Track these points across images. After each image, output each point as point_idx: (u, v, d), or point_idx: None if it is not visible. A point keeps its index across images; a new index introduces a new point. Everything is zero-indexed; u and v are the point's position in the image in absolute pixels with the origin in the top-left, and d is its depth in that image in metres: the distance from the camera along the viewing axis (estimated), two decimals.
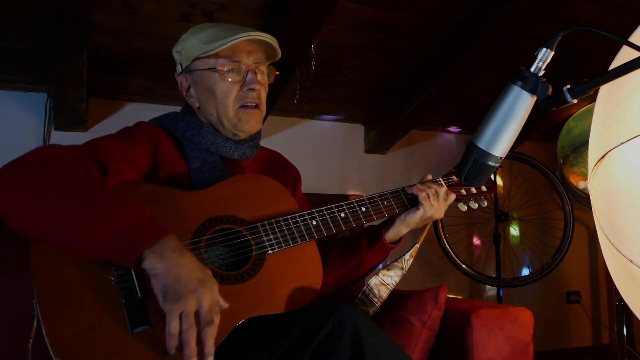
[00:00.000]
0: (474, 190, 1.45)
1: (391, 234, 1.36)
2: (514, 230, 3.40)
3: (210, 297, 0.93)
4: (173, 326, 0.89)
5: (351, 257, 1.37)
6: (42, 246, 0.99)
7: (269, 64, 1.35)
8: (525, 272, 3.37)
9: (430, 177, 1.40)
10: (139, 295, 0.98)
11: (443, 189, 1.34)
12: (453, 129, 3.30)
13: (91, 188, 1.01)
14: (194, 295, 0.91)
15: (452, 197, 1.38)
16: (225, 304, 0.96)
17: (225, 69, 1.26)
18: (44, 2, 1.73)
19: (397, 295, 1.47)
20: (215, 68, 1.26)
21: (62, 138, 2.36)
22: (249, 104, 1.28)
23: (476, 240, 3.33)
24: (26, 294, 0.97)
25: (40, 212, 0.96)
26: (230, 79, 1.26)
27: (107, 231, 0.94)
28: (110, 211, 0.96)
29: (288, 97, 2.62)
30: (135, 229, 0.95)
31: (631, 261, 1.18)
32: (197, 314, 0.92)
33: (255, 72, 1.28)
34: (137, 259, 0.93)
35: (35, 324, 0.95)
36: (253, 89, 1.27)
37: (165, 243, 0.95)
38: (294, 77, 2.48)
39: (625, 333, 2.91)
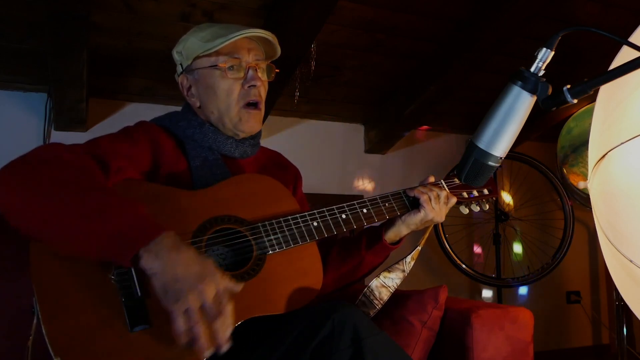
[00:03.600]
0: (475, 193, 1.45)
1: (391, 235, 1.36)
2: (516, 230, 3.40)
3: (212, 290, 0.91)
4: (179, 325, 0.88)
5: (351, 258, 1.37)
6: (42, 245, 0.99)
7: (269, 62, 1.35)
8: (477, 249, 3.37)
9: (432, 178, 1.40)
10: (139, 294, 0.98)
11: (444, 193, 1.34)
12: (453, 129, 3.30)
13: (90, 188, 1.00)
14: (195, 292, 0.89)
15: (453, 200, 1.38)
16: (236, 286, 0.94)
17: (226, 66, 1.26)
18: (44, 2, 1.73)
19: (397, 296, 1.47)
20: (216, 65, 1.27)
21: (62, 138, 2.36)
22: (251, 103, 1.29)
23: (477, 249, 3.33)
24: (26, 293, 0.97)
25: (38, 211, 0.97)
26: (231, 76, 1.27)
27: (103, 231, 0.93)
28: (106, 211, 0.96)
29: (288, 97, 2.62)
30: (131, 228, 0.94)
31: (631, 261, 1.18)
32: (203, 308, 0.90)
33: (256, 69, 1.28)
34: (133, 258, 0.92)
35: (35, 321, 0.95)
36: (254, 86, 1.28)
37: (160, 241, 0.93)
38: (294, 77, 2.48)
39: (625, 333, 2.91)
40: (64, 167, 1.02)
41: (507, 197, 3.36)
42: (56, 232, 0.96)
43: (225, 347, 0.91)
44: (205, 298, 0.90)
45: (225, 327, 0.91)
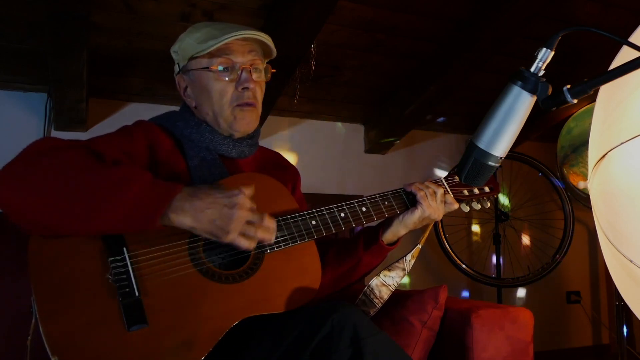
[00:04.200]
0: (476, 191, 1.44)
1: (389, 235, 1.36)
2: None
3: (246, 208, 1.03)
4: (245, 246, 1.05)
5: (348, 258, 1.36)
6: (40, 245, 0.99)
7: (266, 62, 1.34)
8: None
9: (430, 181, 1.40)
10: (136, 293, 0.98)
11: (441, 190, 1.34)
12: (452, 128, 3.30)
13: (94, 166, 1.03)
14: (234, 220, 1.01)
15: (455, 206, 1.37)
16: (251, 190, 1.07)
17: (218, 68, 1.26)
18: (44, 2, 1.73)
19: (397, 296, 1.47)
20: (209, 67, 1.26)
21: (62, 138, 2.36)
22: (244, 104, 1.28)
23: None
24: (26, 293, 0.98)
25: (50, 197, 0.97)
26: (224, 78, 1.26)
27: (124, 201, 0.98)
28: (121, 182, 1.00)
29: (288, 97, 2.62)
30: (151, 192, 1.00)
31: (631, 261, 1.18)
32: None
33: (250, 71, 1.28)
34: (160, 219, 1.00)
35: (33, 321, 0.95)
36: (247, 88, 1.27)
37: (180, 197, 1.01)
38: (294, 77, 2.48)
39: (625, 333, 2.91)
40: (65, 153, 1.04)
41: (504, 200, 3.36)
42: (77, 213, 0.98)
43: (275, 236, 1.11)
44: (243, 215, 1.03)
45: (272, 226, 1.09)
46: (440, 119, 3.16)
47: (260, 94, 1.32)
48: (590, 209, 1.36)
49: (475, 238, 3.33)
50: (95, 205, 0.98)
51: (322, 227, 1.22)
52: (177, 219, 1.01)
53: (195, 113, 1.33)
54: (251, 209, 1.05)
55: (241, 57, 1.27)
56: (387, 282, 1.32)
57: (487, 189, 1.46)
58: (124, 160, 1.15)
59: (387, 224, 1.36)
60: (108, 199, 0.98)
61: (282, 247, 1.16)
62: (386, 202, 1.32)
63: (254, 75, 1.29)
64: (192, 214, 1.01)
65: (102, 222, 0.99)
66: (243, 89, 1.27)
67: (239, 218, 1.02)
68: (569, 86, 0.87)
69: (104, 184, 1.00)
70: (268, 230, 1.08)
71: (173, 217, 1.01)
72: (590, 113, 2.01)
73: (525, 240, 3.41)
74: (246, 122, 1.30)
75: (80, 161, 1.03)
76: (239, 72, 1.27)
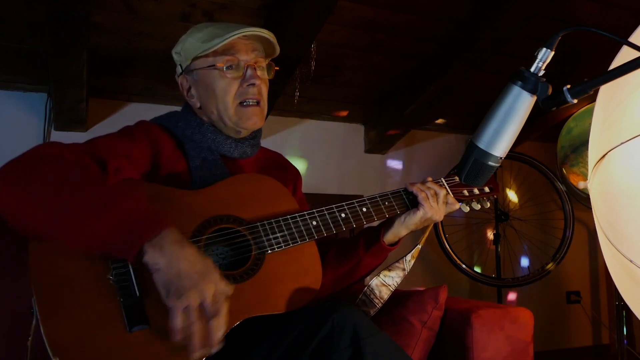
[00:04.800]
0: (476, 191, 1.44)
1: (390, 236, 1.35)
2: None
3: (213, 289, 0.93)
4: (176, 322, 0.90)
5: (349, 259, 1.36)
6: (41, 245, 0.99)
7: (268, 61, 1.35)
8: (525, 262, 3.37)
9: (430, 179, 1.39)
10: (137, 294, 0.98)
11: (443, 191, 1.34)
12: (453, 128, 3.30)
13: (89, 182, 1.01)
14: (197, 290, 0.91)
15: (456, 206, 1.37)
16: (231, 289, 0.96)
17: (224, 66, 1.26)
18: (44, 2, 1.73)
19: (397, 296, 1.47)
20: (214, 65, 1.26)
21: (62, 138, 2.34)
22: (250, 101, 1.28)
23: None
24: (26, 293, 0.97)
25: (40, 207, 0.97)
26: (229, 75, 1.26)
27: (107, 224, 0.94)
28: (109, 204, 0.96)
29: (288, 96, 2.61)
30: (135, 222, 0.95)
31: (631, 261, 1.18)
32: (201, 306, 0.92)
33: (255, 68, 1.28)
34: (138, 252, 0.93)
35: (34, 322, 0.95)
36: (253, 84, 1.27)
37: (165, 236, 0.95)
38: (294, 77, 2.48)
39: (625, 333, 2.91)
40: (62, 164, 1.03)
41: (512, 195, 3.36)
42: (60, 228, 0.96)
43: (216, 349, 0.92)
44: (205, 296, 0.91)
45: (220, 328, 0.92)
46: (442, 122, 3.17)
47: (265, 91, 1.32)
48: (590, 209, 1.36)
49: (475, 238, 3.33)
50: (80, 221, 0.95)
51: (322, 228, 1.22)
52: (152, 254, 0.93)
53: (199, 113, 1.33)
54: (214, 298, 0.92)
55: (245, 54, 1.27)
56: (387, 282, 1.32)
57: (487, 189, 1.46)
58: (126, 166, 1.14)
59: (388, 224, 1.36)
60: (95, 216, 0.95)
61: (283, 247, 1.16)
62: (387, 203, 1.32)
63: (259, 73, 1.29)
64: (168, 257, 0.93)
65: (84, 239, 0.96)
66: (248, 85, 1.27)
67: (201, 291, 0.91)
68: (569, 86, 0.87)
69: (94, 201, 0.97)
70: (216, 328, 0.92)
71: (149, 250, 0.93)
72: (590, 113, 2.01)
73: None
74: (252, 121, 1.29)
75: (77, 172, 1.02)
76: (244, 70, 1.27)
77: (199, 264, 0.94)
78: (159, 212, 0.99)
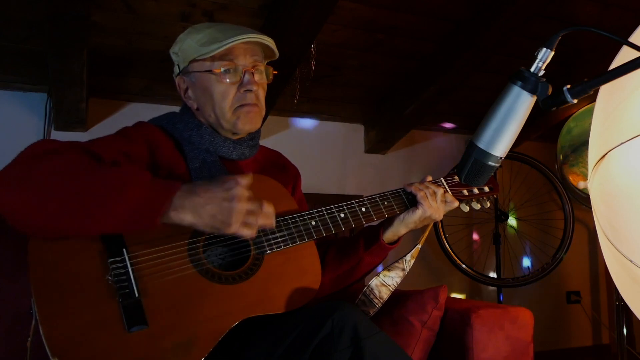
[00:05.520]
0: (476, 190, 1.44)
1: (389, 235, 1.36)
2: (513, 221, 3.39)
3: (244, 198, 1.03)
4: (247, 235, 1.05)
5: (349, 258, 1.36)
6: (40, 246, 0.99)
7: (267, 63, 1.34)
8: (526, 262, 3.37)
9: (430, 178, 1.40)
10: (136, 294, 0.98)
11: (441, 190, 1.34)
12: (453, 128, 3.30)
13: (91, 168, 1.03)
14: (235, 212, 1.01)
15: (455, 204, 1.37)
16: (247, 179, 1.06)
17: (221, 71, 1.25)
18: (44, 2, 1.73)
19: (397, 296, 1.47)
20: (211, 71, 1.26)
21: (62, 138, 2.33)
22: (246, 105, 1.28)
23: (475, 236, 3.33)
24: (25, 294, 0.97)
25: (48, 200, 0.97)
26: (227, 80, 1.26)
27: (123, 204, 0.98)
28: (119, 184, 1.00)
29: (288, 97, 2.61)
30: (150, 193, 1.01)
31: (631, 261, 1.17)
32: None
33: (253, 73, 1.27)
34: (160, 219, 1.00)
35: (33, 323, 0.95)
36: (250, 90, 1.27)
37: (180, 195, 1.02)
38: (294, 77, 2.47)
39: (625, 333, 2.91)
40: (62, 157, 1.03)
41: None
42: (75, 215, 0.98)
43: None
44: (242, 208, 1.02)
45: (269, 209, 1.08)
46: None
47: (262, 96, 1.32)
48: (590, 209, 1.35)
49: (475, 238, 3.33)
50: (94, 208, 0.98)
51: (321, 228, 1.22)
52: (178, 216, 1.01)
53: (197, 115, 1.33)
54: (249, 199, 1.05)
55: (243, 59, 1.27)
56: (386, 282, 1.32)
57: (486, 189, 1.46)
58: (123, 162, 1.14)
59: (387, 223, 1.36)
60: (108, 201, 0.98)
61: (282, 247, 1.16)
62: (386, 202, 1.32)
63: (256, 77, 1.28)
64: (193, 210, 1.01)
65: (102, 224, 1.00)
66: (246, 91, 1.27)
67: (239, 210, 1.02)
68: (569, 86, 0.87)
69: (103, 186, 1.00)
70: (268, 216, 1.08)
71: (173, 215, 1.01)
72: (590, 113, 2.01)
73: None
74: (250, 123, 1.29)
75: (78, 164, 1.03)
76: (242, 75, 1.27)
77: (217, 194, 1.03)
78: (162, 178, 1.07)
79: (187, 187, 1.04)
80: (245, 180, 1.06)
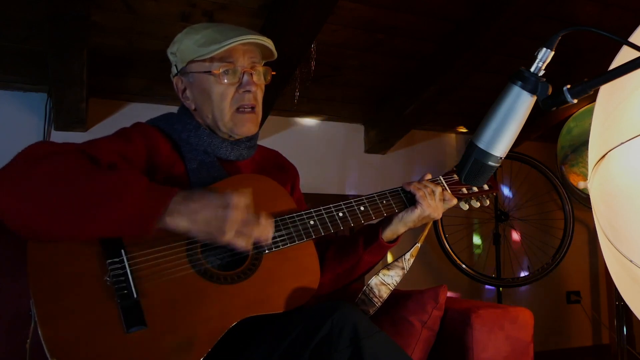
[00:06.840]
0: (475, 189, 1.44)
1: (388, 233, 1.36)
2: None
3: (240, 208, 1.03)
4: (241, 245, 1.05)
5: (348, 257, 1.36)
6: (39, 247, 0.99)
7: (265, 63, 1.34)
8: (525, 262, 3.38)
9: (429, 176, 1.40)
10: (135, 295, 0.98)
11: (439, 189, 1.34)
12: (453, 129, 3.30)
13: (88, 172, 1.03)
14: (229, 220, 1.01)
15: (454, 201, 1.37)
16: (246, 199, 1.05)
17: (220, 72, 1.25)
18: (44, 2, 1.73)
19: (397, 296, 1.47)
20: (210, 72, 1.26)
21: (62, 138, 2.36)
22: (245, 107, 1.28)
23: (476, 240, 3.33)
24: (25, 294, 0.97)
25: (44, 203, 0.97)
26: (225, 81, 1.26)
27: (119, 209, 0.98)
28: (115, 189, 1.00)
29: (288, 97, 2.61)
30: (145, 198, 1.00)
31: (631, 261, 1.17)
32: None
33: (251, 74, 1.27)
34: (156, 224, 1.00)
35: (32, 324, 0.95)
36: (249, 91, 1.27)
37: (175, 201, 1.02)
38: (294, 77, 2.47)
39: (625, 333, 2.91)
40: (59, 160, 1.03)
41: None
42: (71, 219, 0.98)
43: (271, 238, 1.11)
44: (237, 216, 1.02)
45: (269, 229, 1.09)
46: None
47: (260, 96, 1.32)
48: (590, 209, 1.35)
49: (475, 237, 3.33)
50: (90, 212, 0.98)
51: (320, 227, 1.22)
52: (173, 222, 1.02)
53: (195, 115, 1.33)
54: (246, 209, 1.05)
55: (242, 60, 1.27)
56: (386, 281, 1.32)
57: (486, 187, 1.46)
58: (120, 164, 1.14)
59: (386, 222, 1.36)
60: (103, 207, 0.98)
61: (281, 247, 1.16)
62: (384, 201, 1.32)
63: (255, 78, 1.28)
64: (188, 216, 1.02)
65: (97, 230, 1.00)
66: (244, 91, 1.27)
67: (234, 218, 1.02)
68: (569, 86, 0.87)
69: (99, 191, 1.00)
70: (264, 229, 1.08)
71: (169, 220, 1.01)
72: (590, 113, 2.00)
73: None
74: (247, 128, 1.29)
75: (75, 168, 1.03)
76: (241, 76, 1.27)
77: (213, 201, 1.03)
78: (159, 183, 1.07)
79: (184, 194, 1.04)
80: (244, 192, 1.06)
